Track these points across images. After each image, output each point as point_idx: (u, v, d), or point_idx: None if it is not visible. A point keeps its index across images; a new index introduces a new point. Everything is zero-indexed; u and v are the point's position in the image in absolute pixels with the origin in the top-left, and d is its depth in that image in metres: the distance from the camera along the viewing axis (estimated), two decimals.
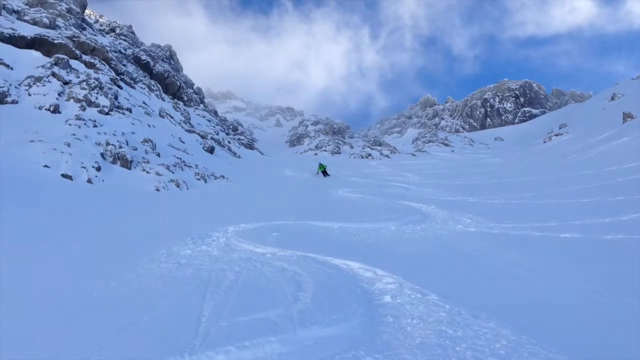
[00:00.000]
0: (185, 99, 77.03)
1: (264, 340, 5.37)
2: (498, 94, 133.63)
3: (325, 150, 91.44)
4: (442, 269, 8.95)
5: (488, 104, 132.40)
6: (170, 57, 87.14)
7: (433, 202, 20.53)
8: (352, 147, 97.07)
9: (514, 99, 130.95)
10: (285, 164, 56.72)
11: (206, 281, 7.95)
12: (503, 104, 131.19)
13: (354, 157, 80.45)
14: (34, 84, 40.23)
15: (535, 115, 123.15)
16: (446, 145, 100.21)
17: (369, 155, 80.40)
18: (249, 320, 6.01)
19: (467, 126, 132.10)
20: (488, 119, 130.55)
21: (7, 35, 45.66)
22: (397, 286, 7.50)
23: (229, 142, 68.07)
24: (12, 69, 41.31)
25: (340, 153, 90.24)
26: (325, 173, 42.64)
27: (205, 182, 35.85)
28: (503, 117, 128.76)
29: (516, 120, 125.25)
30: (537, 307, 6.72)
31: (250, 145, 79.15)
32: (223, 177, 38.63)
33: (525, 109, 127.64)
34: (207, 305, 6.66)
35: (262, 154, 76.08)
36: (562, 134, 67.81)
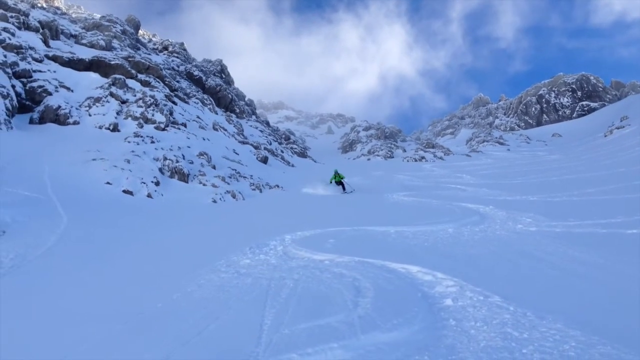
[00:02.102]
0: (238, 111, 78.28)
1: (326, 346, 5.37)
2: (553, 89, 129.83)
3: (378, 155, 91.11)
4: (503, 270, 8.73)
5: (543, 100, 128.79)
6: (221, 71, 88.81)
7: (491, 202, 20.10)
8: (404, 150, 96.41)
9: (570, 93, 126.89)
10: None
11: (266, 290, 8.01)
12: (559, 99, 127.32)
13: (407, 161, 79.78)
14: (93, 104, 41.84)
15: (594, 109, 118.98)
16: (501, 144, 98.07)
17: (422, 157, 79.55)
18: (310, 327, 6.02)
19: (523, 124, 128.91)
20: (544, 115, 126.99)
21: (67, 59, 47.60)
22: (457, 289, 7.36)
23: (282, 151, 68.73)
24: (72, 91, 43.06)
25: (393, 157, 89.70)
26: (341, 185, 33.43)
27: (261, 191, 36.28)
28: (560, 113, 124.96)
29: (574, 115, 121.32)
30: (606, 307, 6.46)
31: (303, 154, 79.69)
32: (278, 186, 38.99)
33: (583, 102, 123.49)
34: (268, 314, 6.70)
35: (315, 161, 76.42)
36: (623, 127, 65.34)
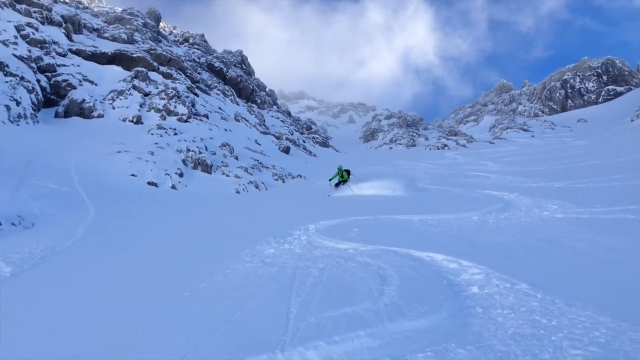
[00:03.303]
0: (259, 101, 78.47)
1: (353, 334, 5.37)
2: (578, 73, 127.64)
3: (400, 144, 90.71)
4: (530, 258, 8.65)
5: (568, 85, 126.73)
6: (242, 62, 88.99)
7: (515, 189, 19.90)
8: (427, 138, 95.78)
9: (596, 77, 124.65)
10: (362, 160, 56.60)
11: (291, 278, 8.04)
12: (584, 83, 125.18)
13: (430, 149, 79.32)
14: (117, 97, 42.32)
15: (620, 94, 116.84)
16: (525, 130, 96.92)
17: (445, 145, 79.02)
18: (337, 316, 6.03)
19: (547, 109, 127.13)
20: (569, 101, 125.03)
21: (90, 53, 48.15)
22: (483, 276, 7.32)
23: (303, 141, 68.82)
24: (96, 84, 43.58)
25: (415, 145, 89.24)
26: (340, 184, 26.01)
27: (283, 181, 36.41)
28: (585, 98, 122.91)
29: (600, 100, 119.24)
30: (636, 293, 6.36)
31: (324, 143, 79.69)
32: (300, 176, 39.10)
33: (609, 87, 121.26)
34: (294, 302, 6.73)
35: (337, 151, 76.40)
36: None
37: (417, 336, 5.33)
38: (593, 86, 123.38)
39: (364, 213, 15.30)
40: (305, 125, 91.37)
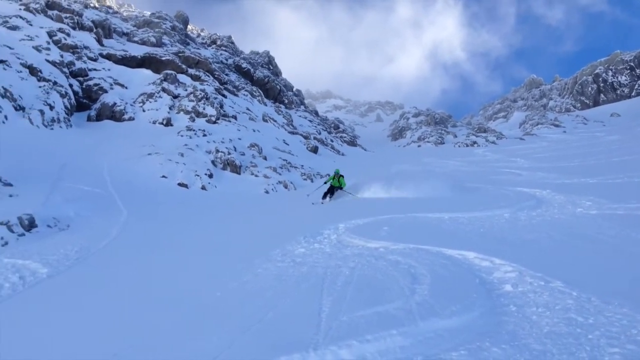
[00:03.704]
0: (286, 101, 78.73)
1: (385, 333, 5.35)
2: (611, 67, 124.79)
3: (428, 142, 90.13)
4: (564, 255, 8.51)
5: (600, 79, 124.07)
6: (269, 62, 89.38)
7: (547, 186, 19.59)
8: (455, 136, 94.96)
9: (629, 71, 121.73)
10: (390, 158, 56.37)
11: (322, 278, 8.04)
12: (617, 77, 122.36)
13: (459, 146, 78.58)
14: (147, 100, 42.92)
15: None
16: (557, 126, 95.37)
17: (474, 143, 78.17)
18: (368, 314, 6.02)
19: (579, 104, 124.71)
20: (601, 95, 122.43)
21: (120, 57, 48.93)
22: (517, 274, 7.22)
23: (331, 140, 68.83)
24: (126, 87, 44.27)
25: (443, 143, 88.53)
26: (331, 192, 21.97)
27: (312, 181, 36.46)
28: (618, 92, 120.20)
29: (633, 94, 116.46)
30: None
31: (352, 142, 79.59)
32: (329, 175, 39.09)
33: None
34: (326, 301, 6.73)
35: (365, 150, 76.20)
36: None
37: (450, 335, 5.29)
38: (626, 80, 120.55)
39: (394, 211, 15.22)
40: (332, 125, 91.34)
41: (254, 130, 46.43)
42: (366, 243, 10.63)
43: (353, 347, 5.08)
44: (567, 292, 6.21)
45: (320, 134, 67.57)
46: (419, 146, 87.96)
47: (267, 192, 29.98)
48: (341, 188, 21.92)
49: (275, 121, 57.58)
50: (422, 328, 5.51)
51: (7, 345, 6.59)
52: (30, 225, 14.99)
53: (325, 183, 22.50)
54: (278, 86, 79.35)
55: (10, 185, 17.79)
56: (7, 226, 14.38)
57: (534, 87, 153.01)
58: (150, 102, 42.90)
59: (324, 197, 21.70)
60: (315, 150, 53.24)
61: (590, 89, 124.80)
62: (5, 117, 28.87)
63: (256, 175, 32.96)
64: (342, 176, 22.06)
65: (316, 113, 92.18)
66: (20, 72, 34.04)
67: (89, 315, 7.64)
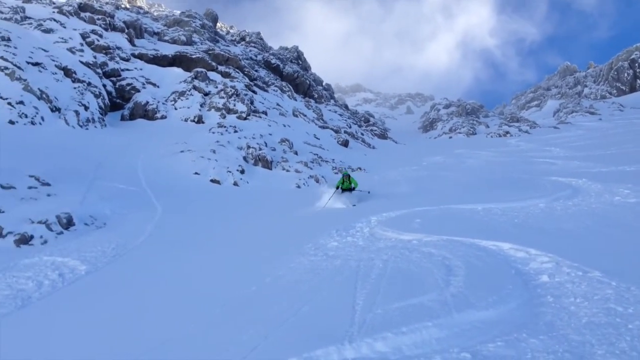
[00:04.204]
0: (316, 96, 78.75)
1: (421, 325, 5.31)
2: None
3: (460, 133, 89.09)
4: (602, 245, 8.34)
5: (636, 65, 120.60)
6: (298, 57, 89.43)
7: (583, 175, 19.19)
8: (487, 126, 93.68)
9: None
10: (421, 150, 55.91)
11: (355, 271, 8.04)
12: None
13: (491, 136, 77.44)
14: (178, 98, 43.48)
15: None
16: (592, 113, 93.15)
17: (507, 132, 76.92)
18: (403, 307, 5.99)
19: (615, 91, 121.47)
20: (638, 81, 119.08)
21: (151, 56, 49.63)
22: (553, 265, 7.09)
23: (362, 134, 68.66)
24: (158, 86, 44.90)
25: (475, 134, 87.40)
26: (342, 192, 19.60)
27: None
28: None
29: None
30: None
31: (383, 135, 79.22)
32: (360, 168, 38.99)
33: None
34: (360, 294, 6.72)
35: (396, 142, 75.77)
36: None
37: (486, 327, 5.23)
38: None
39: (427, 203, 15.11)
40: (363, 118, 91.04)
41: (285, 126, 46.57)
42: (399, 235, 10.57)
43: (388, 340, 5.07)
44: (605, 282, 6.09)
45: (350, 127, 67.44)
46: (450, 137, 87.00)
47: (298, 186, 30.07)
48: (354, 189, 19.63)
49: (305, 116, 57.66)
50: (458, 320, 5.46)
51: (53, 342, 6.77)
52: (68, 223, 15.33)
53: (336, 188, 19.48)
54: (307, 81, 79.43)
55: (49, 184, 18.20)
56: (46, 225, 14.73)
57: (568, 74, 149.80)
58: (182, 100, 43.43)
59: (338, 194, 19.11)
60: (346, 144, 53.15)
61: (626, 74, 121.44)
62: (42, 118, 29.54)
63: (287, 170, 33.07)
64: (350, 176, 19.82)
65: (346, 107, 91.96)
66: (55, 74, 34.78)
67: (128, 310, 7.80)
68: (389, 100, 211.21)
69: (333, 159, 40.31)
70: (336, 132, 56.76)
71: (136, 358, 5.71)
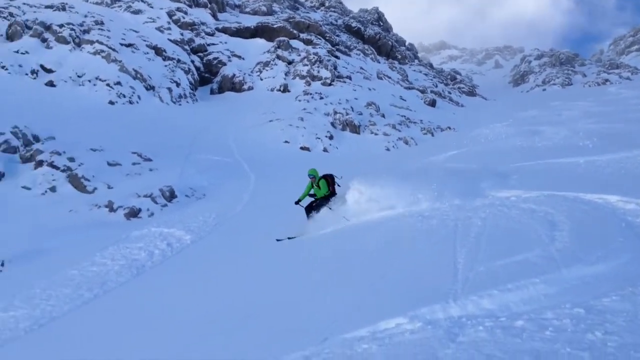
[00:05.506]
0: (399, 57, 77.27)
1: (527, 282, 5.16)
2: None
3: (554, 84, 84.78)
4: None
5: None
6: (379, 19, 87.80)
7: None
8: (584, 75, 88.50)
9: None
10: (513, 105, 53.72)
11: (453, 230, 7.88)
12: None
13: (589, 86, 73.27)
14: (263, 68, 44.13)
15: None
16: None
17: (606, 80, 72.52)
18: (507, 264, 5.85)
19: None
20: None
21: (235, 29, 50.44)
22: None
23: (449, 92, 66.96)
24: (243, 58, 45.69)
25: (571, 84, 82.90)
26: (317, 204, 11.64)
27: (432, 135, 35.84)
28: None
29: None
30: None
31: (471, 93, 76.86)
32: (449, 128, 38.20)
33: None
34: (460, 253, 6.61)
35: (485, 99, 73.35)
36: None
37: (597, 281, 5.03)
38: None
39: (522, 159, 14.57)
40: (449, 76, 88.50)
41: (370, 89, 46.17)
42: (496, 193, 10.24)
43: (494, 297, 4.97)
44: None
45: (437, 86, 65.88)
46: (544, 90, 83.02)
47: (387, 149, 29.93)
48: (329, 196, 11.72)
49: (390, 78, 56.87)
50: (566, 275, 5.26)
51: (178, 303, 7.26)
52: (170, 196, 16.15)
53: (299, 202, 11.82)
54: (390, 42, 78.01)
55: (150, 160, 19.19)
56: (151, 198, 15.61)
57: None
58: (267, 70, 44.06)
59: (309, 213, 11.61)
60: (433, 103, 52.10)
61: None
62: (139, 97, 31.02)
63: (375, 134, 32.93)
64: (324, 178, 11.85)
65: (431, 66, 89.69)
66: (147, 53, 36.32)
67: (238, 275, 8.19)
68: (475, 55, 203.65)
69: (421, 120, 39.66)
70: (422, 92, 55.66)
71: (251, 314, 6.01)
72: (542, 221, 7.43)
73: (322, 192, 11.55)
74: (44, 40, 32.74)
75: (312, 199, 11.83)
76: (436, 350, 3.88)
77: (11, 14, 34.48)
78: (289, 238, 10.36)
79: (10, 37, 32.52)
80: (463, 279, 5.64)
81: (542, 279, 5.21)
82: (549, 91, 77.17)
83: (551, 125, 24.41)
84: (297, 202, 11.63)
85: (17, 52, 30.73)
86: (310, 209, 11.52)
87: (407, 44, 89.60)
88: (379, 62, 64.25)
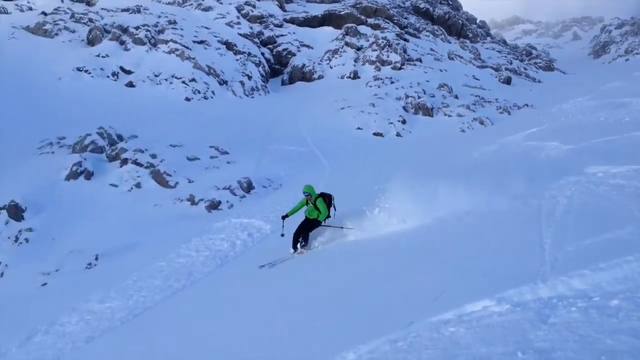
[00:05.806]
0: (471, 35, 75.19)
1: (621, 260, 4.90)
2: None
3: (638, 53, 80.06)
4: None
5: None
6: None
7: None
8: None
9: None
10: (594, 78, 51.12)
11: (537, 209, 7.61)
12: None
13: None
14: (332, 56, 44.16)
15: None
16: None
17: None
18: (597, 242, 5.60)
19: None
20: None
21: (302, 19, 50.72)
22: None
23: (524, 68, 64.61)
24: (312, 48, 45.87)
25: None
26: (305, 232, 9.94)
27: (509, 114, 34.75)
28: None
29: None
30: None
31: (549, 67, 73.81)
32: (527, 105, 36.89)
33: None
34: (546, 233, 6.39)
35: (564, 73, 70.33)
36: None
37: None
38: None
39: (608, 134, 13.85)
40: (524, 52, 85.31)
41: (441, 70, 45.30)
42: (582, 169, 9.84)
43: (586, 277, 4.76)
44: None
45: (511, 63, 63.72)
46: (627, 60, 78.51)
47: (462, 130, 29.29)
48: (321, 220, 10.18)
49: (461, 58, 55.49)
50: None
51: (263, 292, 7.46)
52: (248, 187, 16.52)
53: (285, 217, 10.31)
54: (460, 21, 76.01)
55: (227, 153, 19.67)
56: (230, 190, 16.03)
57: None
58: (336, 58, 44.06)
59: (295, 245, 9.80)
60: (508, 81, 50.49)
61: None
62: (213, 92, 31.84)
63: (449, 116, 32.32)
64: (322, 196, 10.45)
65: (504, 42, 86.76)
66: (219, 49, 37.15)
67: (320, 260, 8.31)
68: (551, 28, 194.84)
69: (496, 99, 38.51)
70: (496, 70, 54.04)
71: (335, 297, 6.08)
72: (633, 197, 7.10)
73: (322, 214, 10.01)
74: (122, 42, 34.16)
75: (303, 221, 10.14)
76: (527, 332, 3.79)
77: (91, 20, 36.37)
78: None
79: (91, 42, 34.14)
80: (552, 259, 5.49)
81: (636, 257, 4.97)
82: (632, 61, 72.97)
83: (638, 97, 23.08)
84: (284, 217, 10.18)
85: (98, 56, 32.17)
86: (297, 238, 9.76)
87: (478, 21, 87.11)
88: (450, 43, 62.78)
